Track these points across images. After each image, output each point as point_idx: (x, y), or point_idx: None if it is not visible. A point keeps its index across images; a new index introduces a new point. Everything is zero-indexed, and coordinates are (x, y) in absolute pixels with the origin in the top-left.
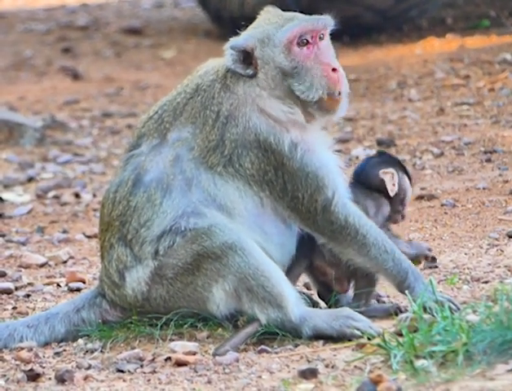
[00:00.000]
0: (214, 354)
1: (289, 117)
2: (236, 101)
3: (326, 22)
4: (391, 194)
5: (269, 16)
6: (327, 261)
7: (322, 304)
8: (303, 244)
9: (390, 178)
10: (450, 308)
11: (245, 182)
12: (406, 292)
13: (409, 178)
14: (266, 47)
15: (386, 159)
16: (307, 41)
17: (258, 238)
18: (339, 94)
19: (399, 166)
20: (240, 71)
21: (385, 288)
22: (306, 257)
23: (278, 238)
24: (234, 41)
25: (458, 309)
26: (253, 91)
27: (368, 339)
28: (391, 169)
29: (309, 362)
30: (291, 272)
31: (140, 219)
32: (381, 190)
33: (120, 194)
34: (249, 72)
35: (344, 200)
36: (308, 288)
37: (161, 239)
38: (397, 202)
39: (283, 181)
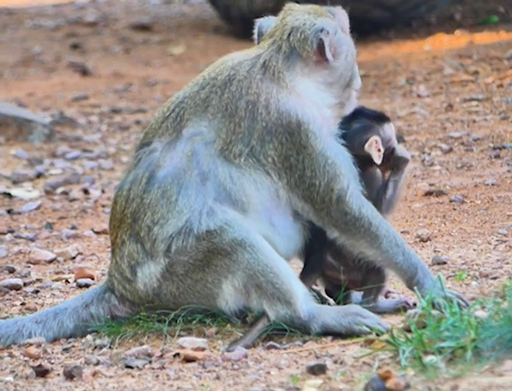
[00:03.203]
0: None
1: (324, 102)
2: (275, 89)
3: None
4: (378, 162)
5: (307, 8)
6: (337, 269)
7: (331, 300)
8: (314, 254)
9: (375, 148)
10: (459, 304)
11: (263, 173)
12: (415, 288)
13: (387, 119)
14: (342, 34)
15: (364, 124)
16: None
17: (267, 230)
18: None
19: (377, 120)
20: (330, 56)
21: (394, 284)
22: (318, 268)
23: (285, 230)
24: (322, 24)
25: (467, 305)
26: (302, 82)
27: (377, 335)
28: (374, 137)
29: (317, 358)
30: (306, 277)
31: (154, 216)
32: (369, 159)
33: (134, 191)
34: (332, 58)
35: (357, 192)
36: (316, 285)
37: (174, 239)
38: (387, 154)
39: (303, 166)
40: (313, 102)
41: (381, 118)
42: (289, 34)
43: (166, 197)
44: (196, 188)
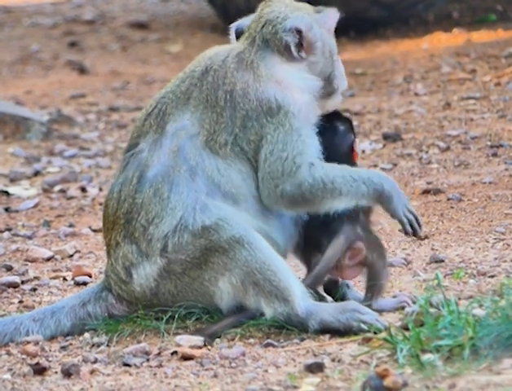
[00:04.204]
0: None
1: (308, 85)
2: (251, 78)
3: None
4: (357, 160)
5: (287, 1)
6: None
7: (328, 298)
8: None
9: (358, 146)
10: (413, 227)
11: (247, 162)
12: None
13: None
14: (318, 29)
15: (346, 126)
16: None
17: (262, 223)
18: None
19: (350, 123)
20: (296, 54)
21: (391, 282)
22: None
23: (278, 221)
24: (292, 21)
25: (420, 226)
26: (281, 69)
27: (375, 333)
28: (356, 139)
29: (315, 356)
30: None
31: (148, 215)
32: (349, 157)
33: (124, 192)
34: (302, 54)
35: (319, 169)
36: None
37: (170, 237)
38: None
39: (276, 140)
40: (296, 86)
41: (350, 121)
42: (263, 26)
43: (158, 195)
44: (187, 185)
